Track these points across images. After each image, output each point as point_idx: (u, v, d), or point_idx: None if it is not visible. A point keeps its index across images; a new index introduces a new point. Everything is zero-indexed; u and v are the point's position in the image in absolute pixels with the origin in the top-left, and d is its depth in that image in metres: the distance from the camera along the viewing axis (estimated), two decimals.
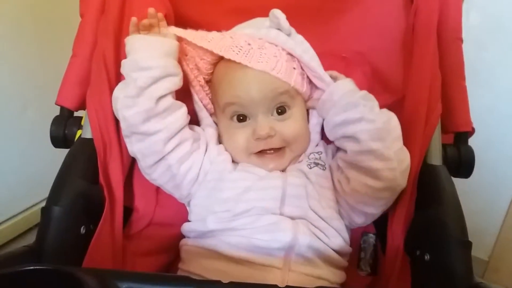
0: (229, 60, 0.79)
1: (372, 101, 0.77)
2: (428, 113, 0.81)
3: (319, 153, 0.85)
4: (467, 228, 0.71)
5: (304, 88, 0.83)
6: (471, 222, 0.73)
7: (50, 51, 1.59)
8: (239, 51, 0.77)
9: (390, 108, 0.91)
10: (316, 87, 0.85)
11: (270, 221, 0.74)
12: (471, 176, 0.86)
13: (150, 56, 0.75)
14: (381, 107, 0.92)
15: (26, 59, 1.58)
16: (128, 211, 0.85)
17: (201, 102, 0.88)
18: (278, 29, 0.82)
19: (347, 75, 0.96)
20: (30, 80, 1.59)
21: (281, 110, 0.81)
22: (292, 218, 0.76)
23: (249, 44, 0.79)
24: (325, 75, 0.82)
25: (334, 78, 0.84)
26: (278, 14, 0.80)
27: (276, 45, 0.80)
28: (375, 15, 1.01)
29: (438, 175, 0.78)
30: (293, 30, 0.84)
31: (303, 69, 0.84)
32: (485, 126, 1.41)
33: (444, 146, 0.84)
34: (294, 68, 0.81)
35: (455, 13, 0.87)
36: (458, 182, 0.79)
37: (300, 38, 0.85)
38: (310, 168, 0.82)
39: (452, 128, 0.86)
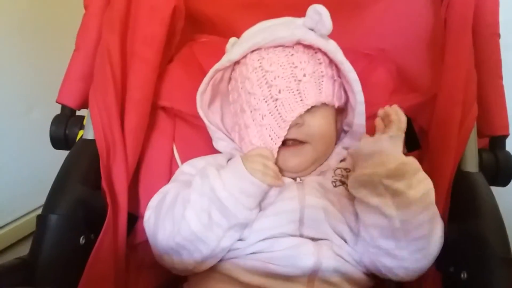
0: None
1: (402, 180, 0.60)
2: (463, 115, 0.73)
3: (347, 170, 0.75)
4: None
5: (334, 99, 0.75)
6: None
7: (56, 50, 1.52)
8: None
9: (418, 108, 0.85)
10: None
11: (289, 245, 0.67)
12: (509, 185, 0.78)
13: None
14: (407, 107, 0.85)
15: (32, 59, 1.54)
16: (133, 218, 0.78)
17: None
18: (312, 29, 0.73)
19: (370, 73, 0.91)
20: (36, 80, 1.55)
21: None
22: (313, 239, 0.68)
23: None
24: (357, 81, 0.74)
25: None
26: (320, 10, 0.70)
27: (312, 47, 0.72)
28: (399, 11, 0.96)
29: (474, 183, 0.71)
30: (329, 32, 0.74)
31: (337, 75, 0.77)
32: None
33: (479, 151, 0.76)
34: (323, 76, 0.74)
35: (492, 5, 0.80)
36: (496, 191, 0.71)
37: (333, 44, 0.76)
38: (335, 186, 0.73)
39: (488, 132, 0.79)
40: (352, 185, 0.66)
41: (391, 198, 0.60)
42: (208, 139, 0.83)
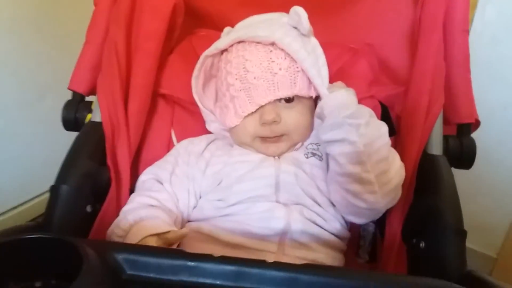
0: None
1: (361, 118, 0.70)
2: (431, 103, 0.81)
3: (317, 144, 0.84)
4: (477, 224, 0.70)
5: (310, 91, 0.82)
6: (482, 219, 0.73)
7: (67, 39, 1.62)
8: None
9: (395, 98, 0.93)
10: None
11: (263, 208, 0.77)
12: (483, 172, 0.85)
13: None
14: (386, 97, 0.94)
15: (44, 47, 1.62)
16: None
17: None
18: (295, 27, 0.82)
19: (352, 65, 0.99)
20: (48, 68, 1.63)
21: (288, 98, 0.81)
22: (288, 204, 0.78)
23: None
24: (322, 88, 0.79)
25: None
26: (299, 11, 0.78)
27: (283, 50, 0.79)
28: (384, 8, 1.03)
29: (437, 164, 0.78)
30: (311, 31, 0.83)
31: None
32: (499, 122, 1.42)
33: (446, 137, 0.84)
34: (298, 72, 0.80)
35: (462, 5, 0.86)
36: (469, 177, 0.78)
37: (314, 42, 0.84)
38: (307, 157, 0.83)
39: (455, 119, 0.86)
40: (323, 131, 0.74)
41: (354, 131, 0.69)
42: (203, 125, 0.93)
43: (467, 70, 0.87)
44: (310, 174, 0.81)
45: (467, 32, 0.87)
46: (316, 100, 0.86)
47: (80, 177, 0.76)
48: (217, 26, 1.06)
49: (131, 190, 0.85)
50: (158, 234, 0.71)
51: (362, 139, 0.70)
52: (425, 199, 0.75)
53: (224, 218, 0.78)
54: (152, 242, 0.69)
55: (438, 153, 0.81)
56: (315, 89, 0.82)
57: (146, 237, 0.70)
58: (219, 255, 0.53)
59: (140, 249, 0.57)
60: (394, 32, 1.01)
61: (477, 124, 0.89)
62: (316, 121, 0.84)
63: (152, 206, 0.78)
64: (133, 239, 0.70)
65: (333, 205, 0.80)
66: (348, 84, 0.86)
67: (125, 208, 0.79)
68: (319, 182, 0.81)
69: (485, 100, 0.87)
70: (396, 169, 0.74)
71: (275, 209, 0.76)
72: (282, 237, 0.75)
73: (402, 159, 0.77)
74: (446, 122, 0.85)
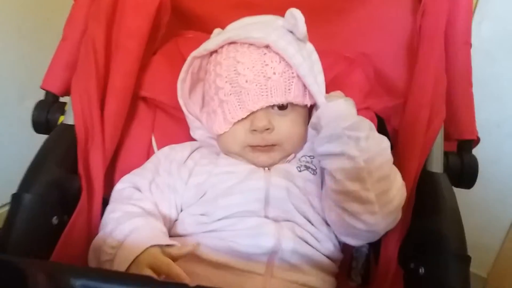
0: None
1: (361, 131, 0.66)
2: (431, 117, 0.76)
3: (311, 157, 0.79)
4: (467, 243, 0.66)
5: (305, 99, 0.77)
6: (472, 237, 0.68)
7: (48, 41, 1.56)
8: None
9: (392, 110, 0.87)
10: None
11: (251, 224, 0.70)
12: (475, 190, 0.80)
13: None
14: (381, 108, 0.89)
15: (24, 49, 1.56)
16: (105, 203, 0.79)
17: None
18: (291, 31, 0.76)
19: (348, 75, 0.94)
20: (28, 70, 1.56)
21: (282, 105, 0.75)
22: (278, 220, 0.71)
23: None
24: (319, 96, 0.74)
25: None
26: (296, 14, 0.74)
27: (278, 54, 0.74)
28: (381, 17, 0.98)
29: (438, 183, 0.73)
30: (306, 36, 0.78)
31: None
32: (493, 140, 1.38)
33: (446, 153, 0.79)
34: (293, 77, 0.75)
35: (465, 16, 0.82)
36: (460, 194, 0.74)
37: (310, 48, 0.79)
38: (300, 171, 0.77)
39: (455, 135, 0.81)
40: (319, 143, 0.69)
41: (354, 144, 0.64)
42: (187, 131, 0.86)
43: (469, 84, 0.83)
44: (303, 189, 0.75)
45: (469, 44, 0.83)
46: (310, 109, 0.81)
47: (46, 185, 0.68)
48: (206, 29, 1.00)
49: (105, 201, 0.77)
50: (161, 246, 0.64)
51: (363, 154, 0.64)
52: (425, 220, 0.70)
53: (208, 234, 0.71)
54: (156, 253, 0.62)
55: (439, 171, 0.76)
56: (310, 97, 0.77)
57: (149, 247, 0.62)
58: (194, 285, 0.45)
59: (102, 274, 0.49)
60: (391, 41, 0.97)
61: (477, 141, 0.84)
62: (311, 132, 0.78)
63: (142, 214, 0.71)
64: (131, 250, 0.62)
65: (327, 224, 0.74)
66: (344, 93, 0.80)
67: (111, 217, 0.71)
68: (312, 198, 0.74)
69: (478, 117, 0.83)
70: (397, 188, 0.68)
71: (264, 225, 0.70)
72: (271, 257, 0.68)
73: (401, 174, 0.71)
74: (446, 137, 0.80)
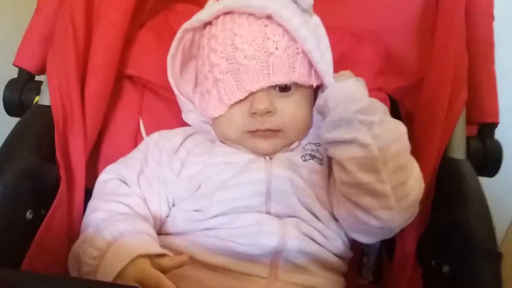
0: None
1: (374, 115, 0.58)
2: (452, 98, 0.69)
3: (317, 145, 0.71)
4: None
5: (310, 79, 0.68)
6: None
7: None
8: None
9: (404, 91, 0.80)
10: None
11: (251, 221, 0.62)
12: (481, 179, 0.73)
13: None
14: (393, 88, 0.82)
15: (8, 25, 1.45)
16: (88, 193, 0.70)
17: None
18: (295, 1, 0.67)
19: (355, 52, 0.86)
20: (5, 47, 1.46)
21: (284, 86, 0.67)
22: (281, 216, 0.64)
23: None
24: (328, 76, 0.67)
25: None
26: None
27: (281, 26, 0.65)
28: None
29: (461, 170, 0.66)
30: (311, 7, 0.69)
31: None
32: (500, 126, 1.31)
33: (467, 138, 0.72)
34: (298, 53, 0.66)
35: None
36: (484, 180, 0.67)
37: (316, 20, 0.70)
38: (305, 160, 0.69)
39: (477, 118, 0.74)
40: (326, 128, 0.62)
41: (367, 130, 0.57)
42: (178, 114, 0.77)
43: (491, 61, 0.76)
44: (308, 181, 0.66)
45: (491, 16, 0.76)
46: (316, 90, 0.72)
47: (18, 174, 0.59)
48: (198, 2, 0.90)
49: (88, 192, 0.69)
50: (150, 256, 0.55)
51: (377, 141, 0.57)
52: (448, 213, 0.63)
53: (203, 232, 0.63)
54: (144, 265, 0.53)
55: (461, 157, 0.68)
56: (316, 76, 0.68)
57: (135, 258, 0.53)
58: None
59: (71, 282, 0.40)
60: (400, 16, 0.88)
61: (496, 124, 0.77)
62: (316, 116, 0.70)
63: (128, 214, 0.63)
64: (115, 263, 0.53)
65: (335, 219, 0.66)
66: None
67: (93, 217, 0.63)
68: (318, 191, 0.66)
69: None
70: (415, 180, 0.60)
71: (267, 222, 0.62)
72: (275, 257, 0.60)
73: (417, 162, 0.63)
74: (466, 121, 0.73)
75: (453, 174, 0.65)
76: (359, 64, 0.82)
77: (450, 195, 0.64)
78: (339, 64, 0.76)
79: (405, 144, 0.60)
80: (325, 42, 0.71)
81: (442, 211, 0.64)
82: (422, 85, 0.73)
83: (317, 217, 0.65)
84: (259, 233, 0.61)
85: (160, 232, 0.68)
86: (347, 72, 0.70)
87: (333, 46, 0.74)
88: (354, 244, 0.70)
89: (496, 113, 0.74)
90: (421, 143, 0.68)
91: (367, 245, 0.74)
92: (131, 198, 0.65)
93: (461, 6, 0.72)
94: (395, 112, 0.78)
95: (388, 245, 0.73)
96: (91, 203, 0.65)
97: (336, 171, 0.62)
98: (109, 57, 0.72)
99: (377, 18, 0.90)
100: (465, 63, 0.71)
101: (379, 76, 0.82)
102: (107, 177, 0.69)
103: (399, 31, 0.88)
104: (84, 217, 0.65)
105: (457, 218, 0.60)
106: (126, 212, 0.63)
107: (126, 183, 0.67)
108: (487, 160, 0.71)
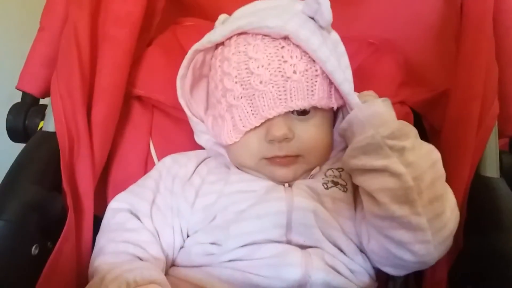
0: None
1: (407, 139, 0.54)
2: (483, 112, 0.64)
3: (340, 170, 0.66)
4: None
5: (331, 101, 0.64)
6: None
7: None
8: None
9: (428, 104, 0.75)
10: None
11: (273, 252, 0.58)
12: None
13: None
14: (416, 101, 0.77)
15: (13, 48, 1.42)
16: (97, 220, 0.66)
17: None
18: (312, 17, 0.63)
19: (375, 63, 0.82)
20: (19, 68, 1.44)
21: (303, 110, 0.63)
22: (302, 247, 0.59)
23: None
24: (352, 96, 0.62)
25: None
26: None
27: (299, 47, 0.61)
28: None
29: (496, 191, 0.61)
30: (329, 24, 0.64)
31: None
32: None
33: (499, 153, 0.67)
34: (317, 76, 0.62)
35: None
36: None
37: (335, 37, 0.66)
38: (327, 188, 0.64)
39: (509, 132, 0.70)
40: (351, 154, 0.57)
41: (398, 157, 0.53)
42: (190, 134, 0.73)
43: None
44: (333, 212, 0.61)
45: None
46: (336, 113, 0.69)
47: (21, 208, 0.56)
48: (208, 15, 0.87)
49: (97, 219, 0.65)
50: None
51: (410, 169, 0.53)
52: (485, 236, 0.58)
53: (220, 264, 0.59)
54: None
55: (495, 175, 0.63)
56: (336, 98, 0.64)
57: None
58: None
59: None
60: (419, 25, 0.85)
61: None
62: (337, 140, 0.67)
63: (136, 260, 0.58)
64: None
65: (361, 252, 0.61)
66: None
67: (100, 262, 0.58)
68: (343, 222, 0.62)
69: None
70: (451, 209, 0.55)
71: (289, 253, 0.57)
72: None
73: (447, 182, 0.58)
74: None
75: (487, 195, 0.61)
76: (379, 76, 0.79)
77: (485, 219, 0.59)
78: (358, 76, 0.72)
79: (440, 172, 0.56)
80: (345, 60, 0.67)
81: (476, 237, 0.59)
82: (449, 98, 0.69)
83: (342, 251, 0.60)
84: (281, 265, 0.56)
85: (174, 264, 0.64)
86: (370, 92, 0.66)
87: (350, 57, 0.70)
88: (378, 271, 0.66)
89: None
90: (450, 162, 0.62)
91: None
92: (141, 235, 0.61)
93: (489, 13, 0.67)
94: (419, 128, 0.73)
95: (416, 272, 0.68)
96: (100, 240, 0.62)
97: (366, 202, 0.58)
98: (117, 78, 0.69)
99: (395, 27, 0.87)
100: (496, 73, 0.66)
101: (401, 88, 0.78)
102: (116, 206, 0.65)
103: (419, 40, 0.85)
104: (92, 257, 0.61)
105: (495, 246, 0.56)
106: (134, 255, 0.58)
107: (137, 216, 0.63)
108: None
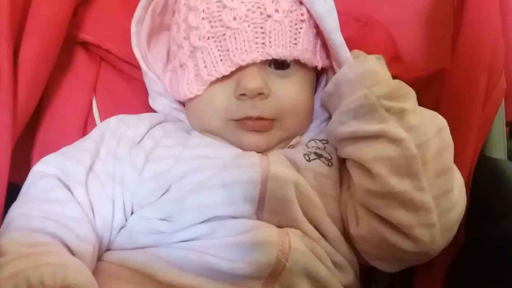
0: None
1: (407, 100, 0.48)
2: (489, 87, 0.56)
3: (324, 142, 0.56)
4: None
5: (315, 58, 0.56)
6: None
7: None
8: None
9: (422, 82, 0.69)
10: None
11: (240, 230, 0.46)
12: None
13: None
14: (412, 80, 0.67)
15: None
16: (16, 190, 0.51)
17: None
18: None
19: (364, 38, 0.74)
20: None
21: (283, 62, 0.54)
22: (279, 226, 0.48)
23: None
24: (344, 48, 0.53)
25: None
26: None
27: None
28: None
29: (505, 173, 0.52)
30: None
31: (317, 26, 0.56)
32: None
33: None
34: (303, 21, 0.54)
35: None
36: None
37: None
38: (309, 160, 0.53)
39: (509, 116, 0.62)
40: (339, 120, 0.50)
41: (397, 121, 0.46)
42: (143, 96, 0.63)
43: None
44: (316, 187, 0.50)
45: None
46: (317, 78, 0.61)
47: None
48: None
49: (16, 189, 0.50)
50: None
51: (413, 135, 0.45)
52: (493, 225, 0.49)
53: (170, 245, 0.47)
54: None
55: (502, 157, 0.56)
56: (322, 55, 0.56)
57: None
58: None
59: None
60: (407, 7, 0.78)
61: None
62: (318, 110, 0.59)
63: (57, 242, 0.44)
64: None
65: (347, 241, 0.50)
66: None
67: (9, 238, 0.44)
68: (326, 202, 0.51)
69: None
70: (459, 188, 0.47)
71: (260, 230, 0.45)
72: (270, 279, 0.44)
73: None
74: None
75: (495, 178, 0.53)
76: (368, 51, 0.68)
77: (494, 205, 0.51)
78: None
79: (448, 141, 0.48)
80: (335, 14, 0.57)
81: (485, 226, 0.49)
82: (449, 74, 0.61)
83: (324, 236, 0.49)
84: (250, 245, 0.44)
85: (112, 247, 0.51)
86: (360, 52, 0.57)
87: None
88: (361, 270, 0.55)
89: None
90: (453, 140, 0.54)
91: (375, 270, 0.58)
92: (67, 208, 0.47)
93: None
94: None
95: (403, 272, 0.57)
96: (11, 212, 0.47)
97: (358, 176, 0.48)
98: (57, 11, 0.57)
99: (382, 7, 0.79)
100: (502, 47, 0.59)
101: (393, 63, 0.68)
102: (42, 170, 0.51)
103: (407, 23, 0.79)
104: (5, 218, 0.46)
105: (507, 233, 0.46)
106: (54, 235, 0.44)
107: (66, 185, 0.49)
108: None
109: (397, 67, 0.69)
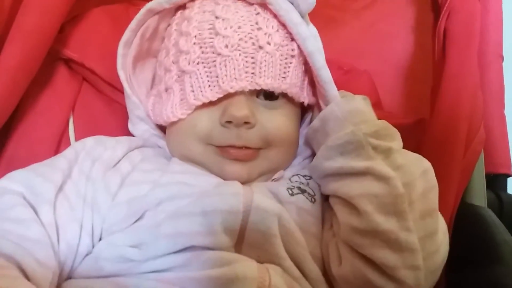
0: None
1: (393, 141, 0.48)
2: (470, 136, 0.57)
3: (307, 177, 0.54)
4: None
5: (302, 94, 0.55)
6: None
7: None
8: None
9: (406, 130, 0.68)
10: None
11: (217, 263, 0.42)
12: None
13: None
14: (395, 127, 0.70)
15: None
16: None
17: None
18: (291, 2, 0.54)
19: (346, 83, 0.72)
20: None
21: (270, 94, 0.52)
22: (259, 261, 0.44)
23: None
24: (332, 86, 0.53)
25: None
26: None
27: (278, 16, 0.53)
28: (379, 32, 0.83)
29: (487, 219, 0.53)
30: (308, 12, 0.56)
31: (306, 63, 0.56)
32: None
33: None
34: (293, 56, 0.53)
35: (496, 24, 0.70)
36: None
37: (314, 30, 0.57)
38: (292, 194, 0.51)
39: (489, 168, 0.63)
40: (325, 155, 0.48)
41: (384, 160, 0.45)
42: (122, 120, 0.60)
43: (502, 106, 0.68)
44: (299, 224, 0.48)
45: (501, 57, 0.70)
46: (302, 115, 0.59)
47: None
48: None
49: None
50: None
51: (400, 174, 0.44)
52: (484, 271, 0.48)
53: (139, 276, 0.43)
54: None
55: (482, 204, 0.56)
56: (309, 92, 0.56)
57: None
58: None
59: None
60: (389, 61, 0.81)
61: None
62: (301, 146, 0.57)
63: (11, 266, 0.40)
64: None
65: (326, 281, 0.47)
66: None
67: None
68: (308, 239, 0.48)
69: None
70: (443, 232, 0.46)
71: (239, 265, 0.42)
72: None
73: None
74: None
75: (478, 225, 0.52)
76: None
77: (479, 251, 0.50)
78: None
79: (433, 182, 0.47)
80: (323, 54, 0.57)
81: (471, 272, 0.48)
82: (429, 123, 0.63)
83: (305, 275, 0.46)
84: (227, 280, 0.40)
85: (73, 275, 0.45)
86: (346, 92, 0.57)
87: None
88: None
89: (508, 164, 0.64)
90: None
91: None
92: (28, 229, 0.43)
93: (475, 36, 0.65)
94: None
95: None
96: None
97: (342, 213, 0.46)
98: (43, 23, 0.55)
99: (365, 57, 0.82)
100: (481, 100, 0.62)
101: (375, 109, 0.70)
102: (5, 185, 0.46)
103: (388, 76, 0.81)
104: None
105: (496, 280, 0.45)
106: (9, 258, 0.40)
107: (31, 204, 0.45)
108: (503, 215, 0.58)
109: (378, 114, 0.71)
